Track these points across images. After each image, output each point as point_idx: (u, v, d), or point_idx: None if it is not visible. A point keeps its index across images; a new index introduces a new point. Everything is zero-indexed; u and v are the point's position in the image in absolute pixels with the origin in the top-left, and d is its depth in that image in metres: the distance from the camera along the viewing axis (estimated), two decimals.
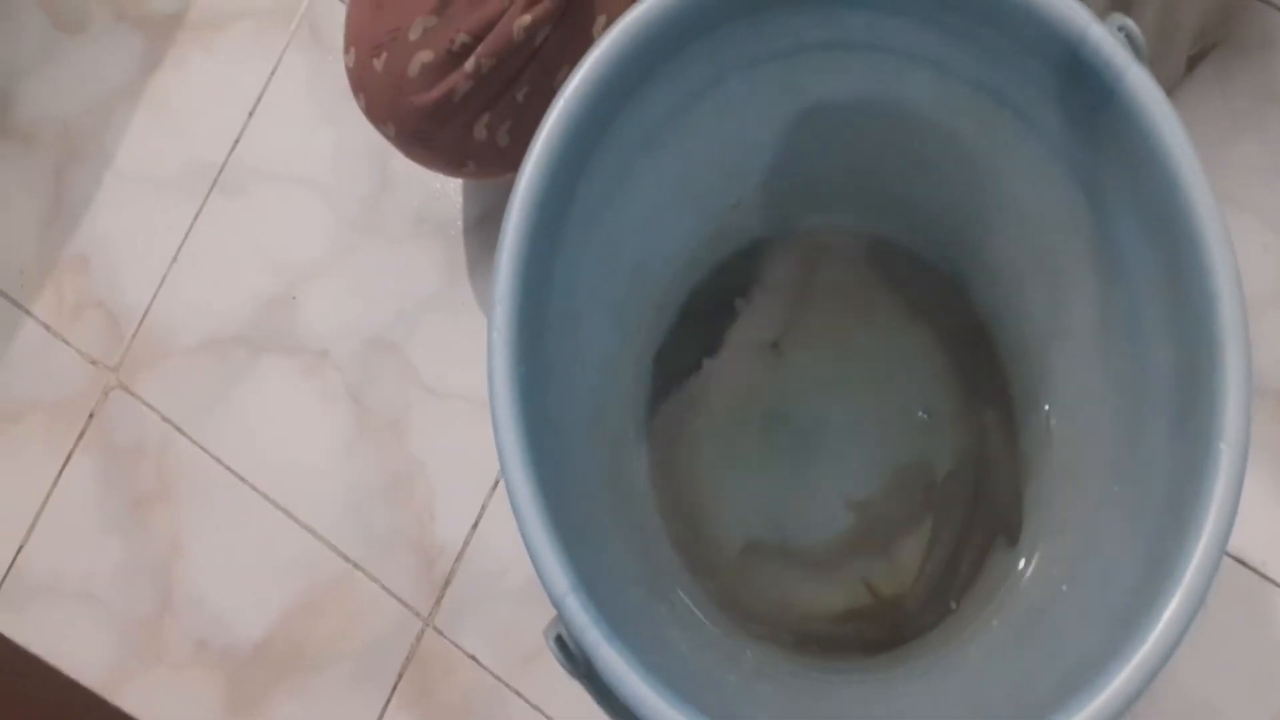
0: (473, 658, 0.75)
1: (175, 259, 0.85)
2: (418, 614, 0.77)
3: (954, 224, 0.60)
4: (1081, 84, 0.45)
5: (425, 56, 0.61)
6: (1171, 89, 0.73)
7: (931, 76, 0.51)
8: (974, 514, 0.62)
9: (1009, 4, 0.45)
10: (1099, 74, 0.44)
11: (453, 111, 0.62)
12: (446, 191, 0.82)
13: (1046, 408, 0.57)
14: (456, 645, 0.76)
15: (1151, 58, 0.45)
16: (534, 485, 0.44)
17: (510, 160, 0.64)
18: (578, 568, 0.44)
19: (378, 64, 0.63)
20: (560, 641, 0.44)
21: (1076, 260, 0.50)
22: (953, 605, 0.59)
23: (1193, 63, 0.73)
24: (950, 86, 0.51)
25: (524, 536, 0.43)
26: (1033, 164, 0.51)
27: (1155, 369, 0.44)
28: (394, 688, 0.76)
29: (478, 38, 0.60)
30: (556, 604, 0.43)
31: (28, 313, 0.87)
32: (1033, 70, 0.47)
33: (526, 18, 0.60)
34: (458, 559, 0.77)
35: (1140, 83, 0.43)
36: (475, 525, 0.77)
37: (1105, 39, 0.44)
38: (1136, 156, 0.44)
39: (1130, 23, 0.45)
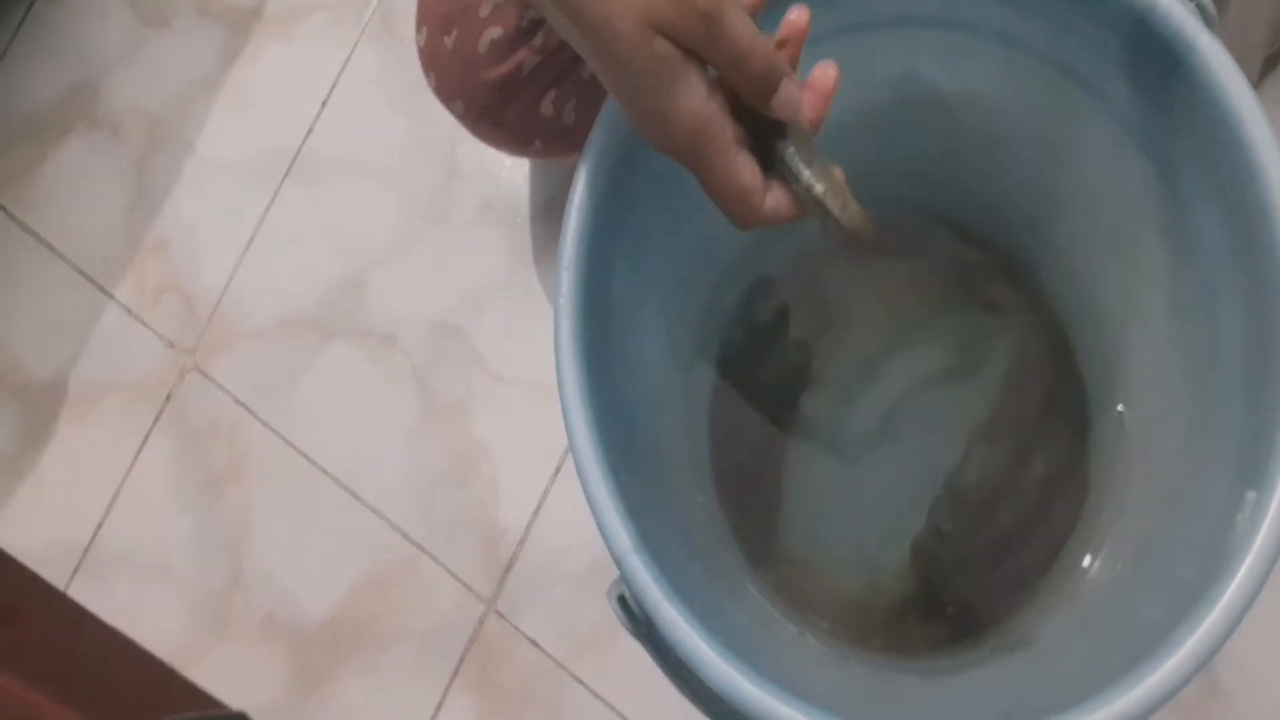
0: (533, 642, 0.76)
1: (250, 244, 0.87)
2: (480, 597, 0.78)
3: (1025, 208, 0.60)
4: (1151, 54, 0.45)
5: (495, 32, 0.62)
6: (1253, 84, 0.71)
7: (1000, 50, 0.51)
8: (1043, 510, 0.61)
9: None
10: (1169, 43, 0.44)
11: (520, 87, 0.63)
12: (512, 180, 0.83)
13: (1119, 395, 0.56)
14: (518, 629, 0.77)
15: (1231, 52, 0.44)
16: (598, 446, 0.45)
17: (576, 139, 0.64)
18: (640, 529, 0.44)
19: (448, 41, 0.64)
20: (622, 601, 0.45)
21: (1148, 237, 0.49)
22: (1018, 599, 0.59)
23: (1271, 63, 0.72)
24: (1019, 61, 0.51)
25: (588, 495, 0.44)
26: (1102, 139, 0.50)
27: (1226, 343, 0.44)
28: (456, 670, 0.77)
29: None
30: (619, 562, 0.44)
31: (111, 296, 0.90)
32: (1102, 41, 0.47)
33: None
34: (520, 543, 0.78)
35: (1211, 51, 0.43)
36: (538, 509, 0.78)
37: (1175, 8, 0.43)
38: (1207, 127, 0.43)
39: None
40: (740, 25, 0.36)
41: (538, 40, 0.61)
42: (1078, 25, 0.47)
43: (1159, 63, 0.45)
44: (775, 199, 0.42)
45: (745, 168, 0.40)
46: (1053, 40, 0.49)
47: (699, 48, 0.36)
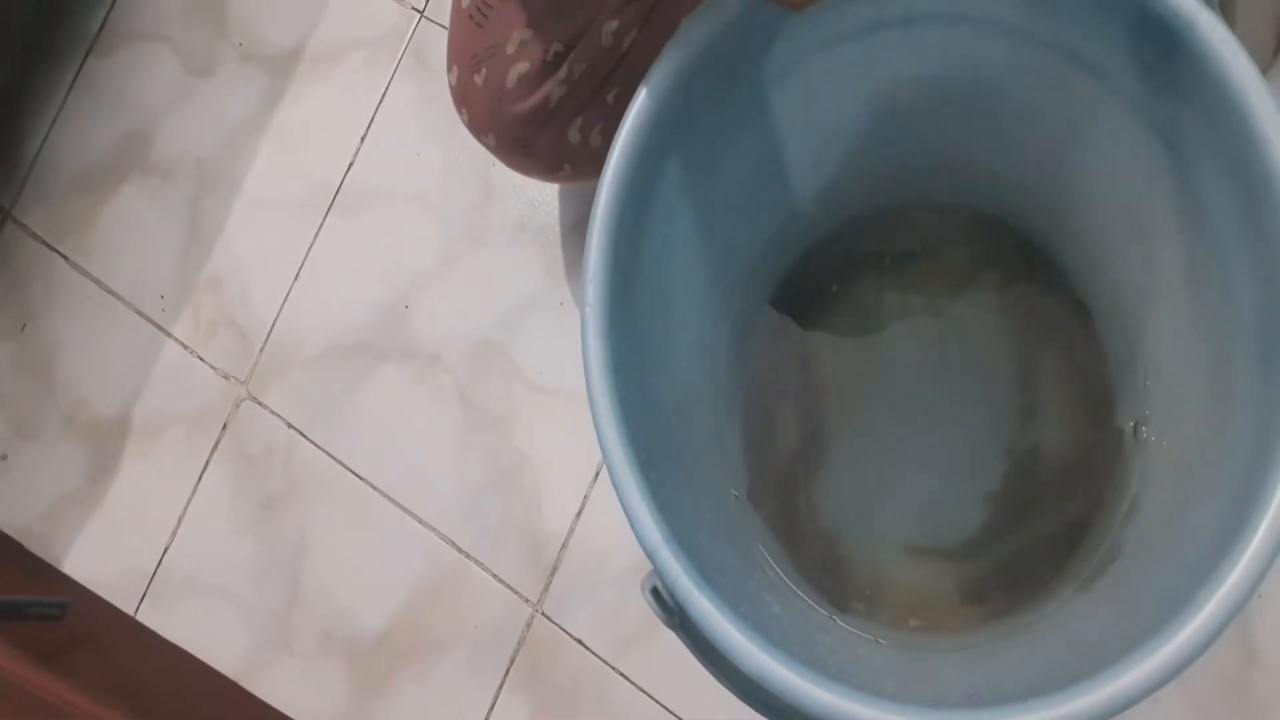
0: (579, 641, 0.78)
1: (298, 276, 0.91)
2: (527, 600, 0.80)
3: (1042, 194, 0.61)
4: (1153, 36, 0.46)
5: (522, 67, 0.65)
6: (1262, 68, 0.71)
7: (1008, 43, 0.52)
8: (1072, 487, 0.61)
9: None
10: (1169, 24, 0.45)
11: (549, 117, 0.65)
12: (544, 200, 0.85)
13: (1143, 369, 0.57)
14: (564, 630, 0.78)
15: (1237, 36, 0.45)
16: (626, 443, 0.46)
17: (603, 161, 0.66)
18: (670, 523, 0.46)
19: (478, 78, 0.66)
20: (655, 593, 0.46)
21: (1161, 213, 0.50)
22: (1050, 575, 0.59)
23: None
24: (1026, 51, 0.52)
25: (617, 490, 0.46)
26: (1112, 121, 0.51)
27: (1241, 310, 0.44)
28: (506, 671, 0.79)
29: (570, 46, 0.64)
30: (650, 555, 0.45)
31: (168, 334, 0.94)
32: (1105, 27, 0.48)
33: (614, 23, 0.63)
34: (563, 546, 0.80)
35: (1210, 28, 0.44)
36: (579, 514, 0.80)
37: None
38: (1211, 102, 0.44)
39: None
40: None
41: (563, 72, 0.63)
42: (1081, 12, 0.48)
43: (1161, 43, 0.46)
44: None
45: None
46: (1057, 29, 0.50)
47: None
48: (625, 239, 0.51)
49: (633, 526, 0.45)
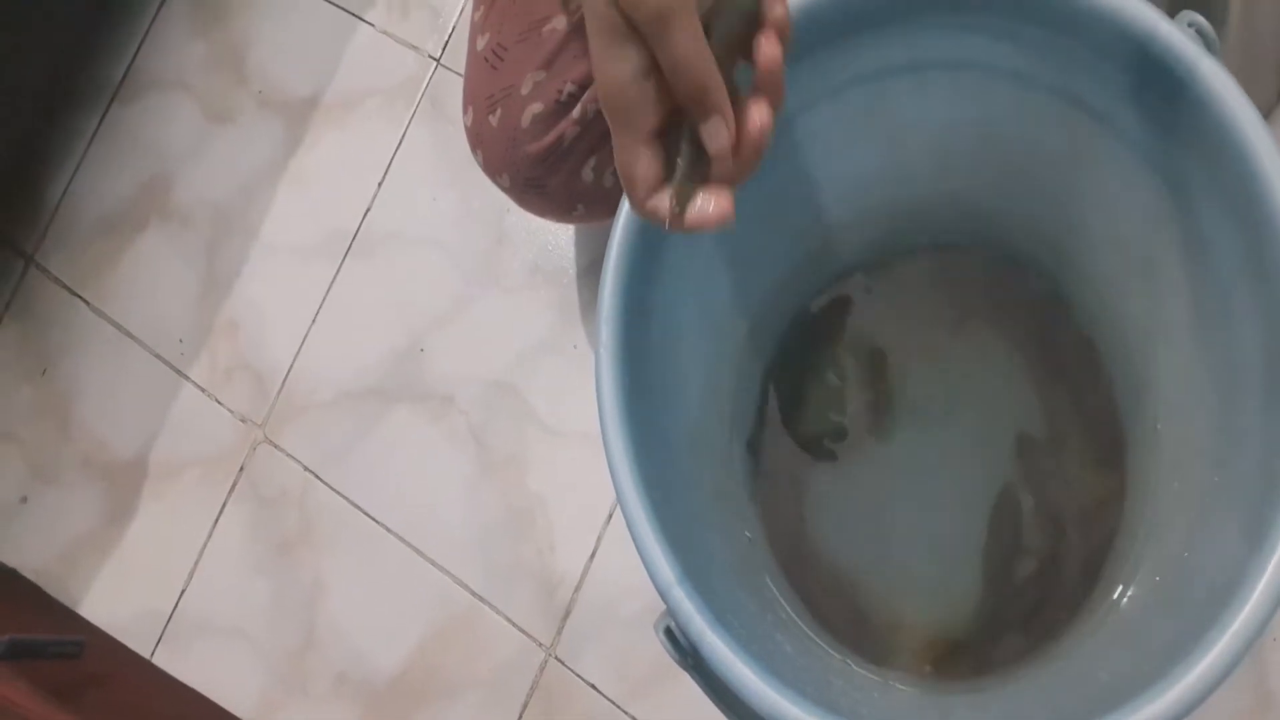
0: (592, 685, 0.78)
1: (314, 320, 0.92)
2: (540, 644, 0.80)
3: (1049, 233, 0.61)
4: (1155, 81, 0.47)
5: (536, 108, 0.66)
6: (1267, 107, 0.72)
7: (1012, 87, 0.53)
8: (1083, 532, 0.61)
9: (1079, 9, 0.47)
10: (1171, 69, 0.45)
11: (562, 156, 0.66)
12: (558, 244, 0.87)
13: (1151, 411, 0.57)
14: (577, 674, 0.78)
15: (1239, 77, 0.46)
16: (639, 483, 0.47)
17: (616, 202, 0.67)
18: (683, 562, 0.46)
19: (493, 119, 0.67)
20: (669, 633, 0.46)
21: (1166, 253, 0.51)
22: (1061, 620, 0.59)
23: None
24: (1030, 96, 0.53)
25: (631, 529, 0.46)
26: (1116, 164, 0.52)
27: (1244, 351, 0.45)
28: (520, 716, 0.79)
29: (583, 86, 0.65)
30: (663, 595, 0.45)
31: (185, 378, 0.95)
32: (1107, 72, 0.49)
33: None
34: (576, 589, 0.80)
35: (1211, 74, 0.44)
36: (592, 556, 0.80)
37: (1174, 35, 0.45)
38: (1213, 145, 0.45)
39: (1200, 19, 0.46)
40: (683, 36, 0.36)
41: (576, 112, 0.64)
42: (1083, 58, 0.49)
43: (1162, 88, 0.46)
44: (658, 201, 0.39)
45: (644, 157, 0.39)
46: (1060, 74, 0.51)
47: (645, 37, 0.36)
48: (638, 281, 0.51)
49: (646, 565, 0.46)
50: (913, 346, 0.66)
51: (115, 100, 1.04)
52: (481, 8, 0.69)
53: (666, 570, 0.45)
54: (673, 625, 0.46)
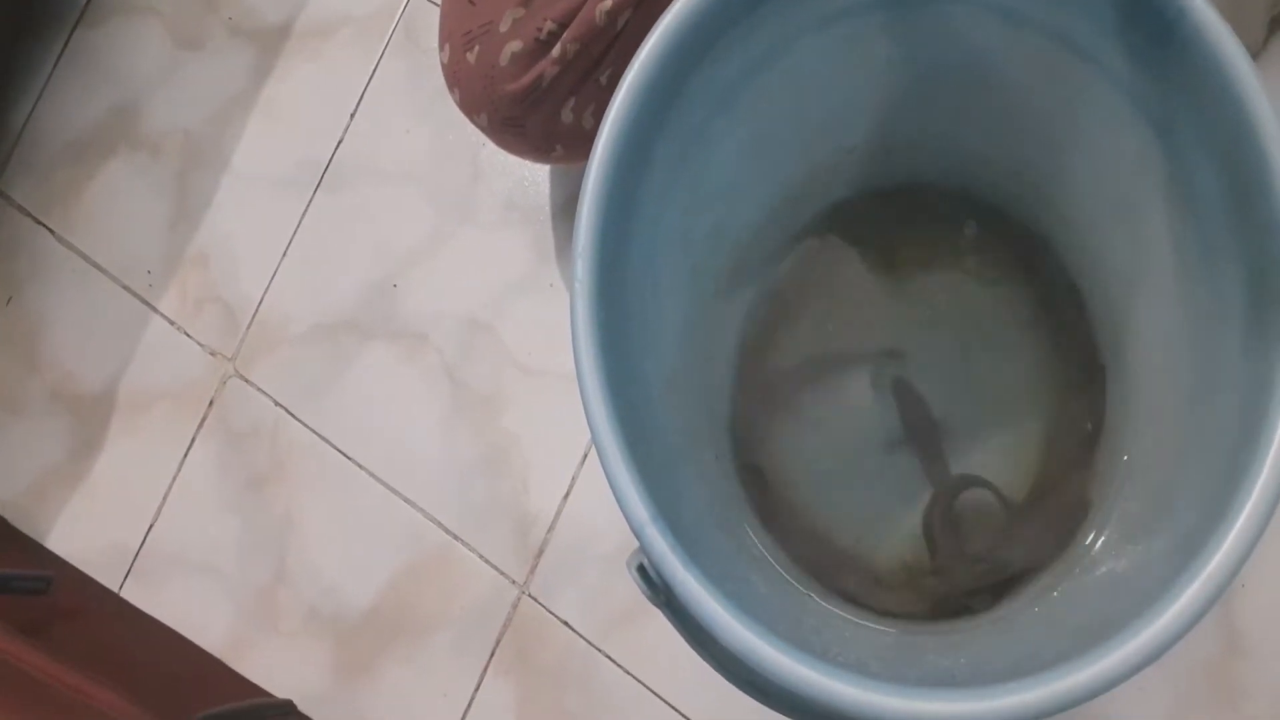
0: (565, 623, 0.78)
1: (286, 253, 0.90)
2: (513, 581, 0.80)
3: (1033, 176, 0.61)
4: (1144, 20, 0.46)
5: (515, 46, 0.64)
6: (1253, 52, 0.71)
7: (998, 24, 0.52)
8: (1058, 476, 0.62)
9: None
10: (1160, 9, 0.45)
11: (541, 96, 0.65)
12: (534, 179, 0.85)
13: (1130, 356, 0.57)
14: (550, 611, 0.79)
15: (1228, 20, 0.45)
16: (614, 422, 0.46)
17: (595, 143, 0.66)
18: (658, 502, 0.46)
19: (470, 57, 0.66)
20: (642, 570, 0.46)
21: (1149, 197, 0.50)
22: (1036, 562, 0.59)
23: (1275, 25, 0.72)
24: (1018, 34, 0.52)
25: (605, 468, 0.45)
26: (1102, 105, 0.51)
27: (1226, 297, 0.45)
28: (492, 653, 0.79)
29: (563, 25, 0.63)
30: (637, 533, 0.45)
31: (154, 310, 0.93)
32: (1096, 9, 0.48)
33: (608, 3, 0.63)
34: (550, 528, 0.80)
35: (1201, 13, 0.44)
36: (567, 495, 0.80)
37: None
38: (1200, 86, 0.44)
39: None
40: None
41: (556, 51, 0.63)
42: None
43: (1151, 28, 0.46)
44: None
45: None
46: (1048, 10, 0.50)
47: None
48: (615, 217, 0.50)
49: (620, 503, 0.45)
50: (889, 290, 0.66)
51: (81, 23, 1.00)
52: None
53: (640, 509, 0.45)
54: (645, 563, 0.46)
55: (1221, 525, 0.38)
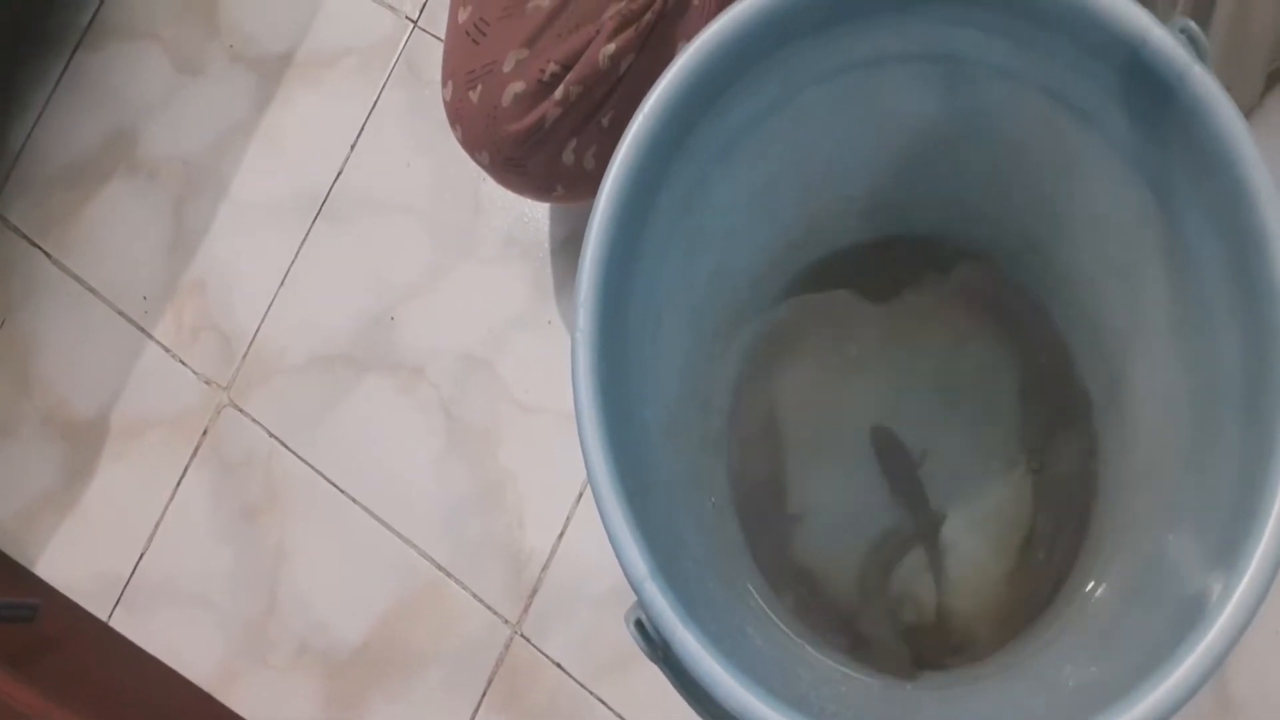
0: (558, 665, 0.78)
1: (283, 283, 0.90)
2: (506, 621, 0.80)
3: (1030, 230, 0.61)
4: (1144, 85, 0.46)
5: (518, 87, 0.64)
6: (1250, 107, 0.72)
7: (1001, 83, 0.53)
8: (1051, 531, 0.62)
9: (1072, 10, 0.47)
10: (1160, 75, 0.45)
11: (543, 138, 0.65)
12: (535, 215, 0.85)
13: (1125, 414, 0.57)
14: (542, 652, 0.78)
15: (1226, 75, 0.46)
16: (614, 475, 0.46)
17: (596, 184, 0.66)
18: (656, 555, 0.46)
19: (473, 95, 0.66)
20: (640, 625, 0.46)
21: (1148, 257, 0.51)
22: (1028, 620, 0.59)
23: (1272, 80, 0.73)
24: (1019, 92, 0.53)
25: (605, 523, 0.45)
26: (1101, 165, 0.51)
27: (1224, 361, 0.45)
28: (484, 693, 0.79)
29: (566, 67, 0.64)
30: (635, 588, 0.45)
31: (149, 336, 0.93)
32: (1097, 73, 0.48)
33: (611, 46, 0.63)
34: (544, 567, 0.79)
35: (1201, 82, 0.44)
36: (561, 534, 0.80)
37: (1166, 41, 0.45)
38: (1200, 153, 0.45)
39: (1192, 25, 0.46)
40: None
41: (559, 93, 0.63)
42: (1074, 58, 0.49)
43: (1151, 93, 0.46)
44: None
45: None
46: (1050, 73, 0.50)
47: None
48: (617, 267, 0.51)
49: (619, 557, 0.45)
50: (884, 341, 0.66)
51: (81, 46, 1.00)
52: None
53: (640, 564, 0.45)
54: (643, 618, 0.46)
55: (1218, 598, 0.38)
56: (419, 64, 0.91)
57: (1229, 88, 0.45)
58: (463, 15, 0.66)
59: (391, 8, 0.92)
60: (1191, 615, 0.39)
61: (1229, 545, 0.40)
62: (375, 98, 0.91)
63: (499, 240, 0.86)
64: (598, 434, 0.47)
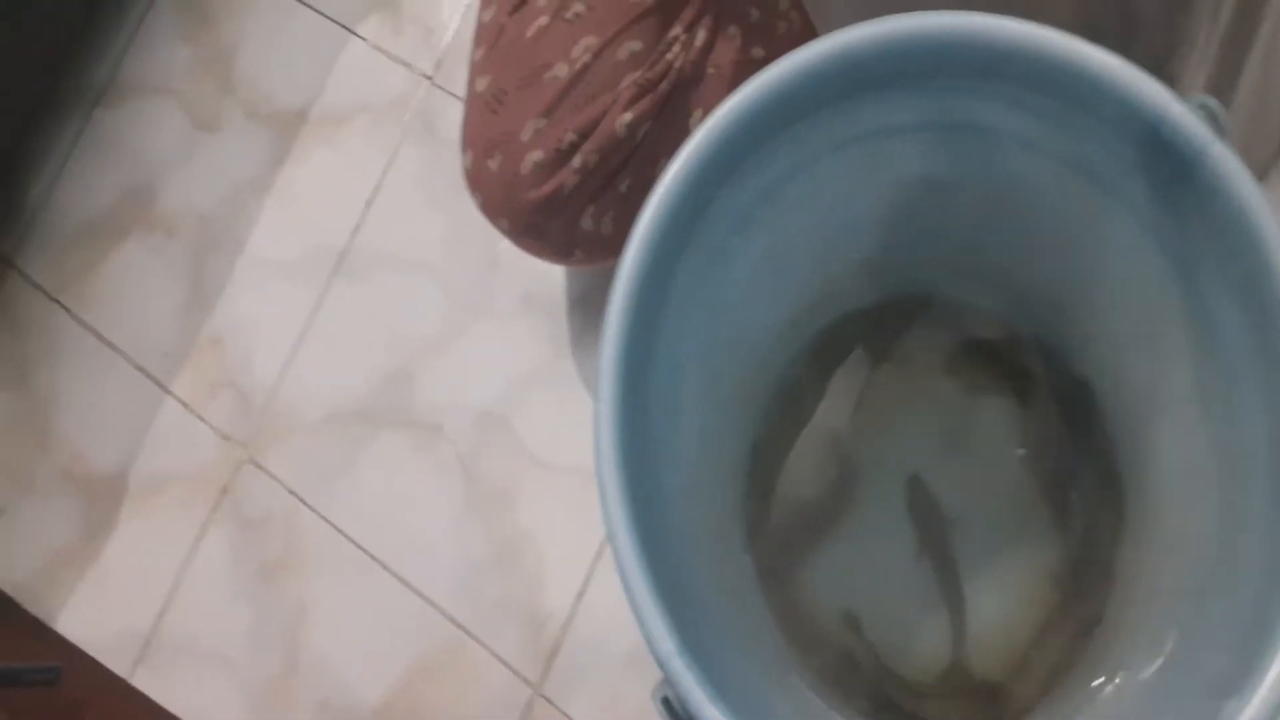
0: None
1: (301, 340, 0.91)
2: (527, 681, 0.79)
3: (1052, 296, 0.61)
4: (1164, 160, 0.46)
5: (536, 156, 0.65)
6: (1266, 169, 0.72)
7: (1019, 154, 0.53)
8: (1073, 602, 0.61)
9: (1093, 84, 0.47)
10: (1180, 151, 0.45)
11: (562, 205, 0.66)
12: (551, 272, 0.86)
13: (1151, 484, 0.57)
14: (565, 713, 0.78)
15: (1245, 138, 0.46)
16: (639, 549, 0.46)
17: (614, 247, 0.67)
18: (683, 630, 0.46)
19: (492, 164, 0.67)
20: (667, 703, 0.46)
21: (1171, 328, 0.51)
22: (1053, 690, 0.59)
23: None
24: (1037, 163, 0.53)
25: (630, 599, 0.45)
26: (1121, 236, 0.52)
27: (1252, 437, 0.45)
28: None
29: (584, 135, 0.65)
30: (662, 665, 0.45)
31: (168, 392, 0.94)
32: (1116, 147, 0.48)
33: (628, 115, 0.64)
34: (565, 627, 0.79)
35: (1221, 159, 0.44)
36: (581, 594, 0.79)
37: (1186, 117, 0.45)
38: (1221, 228, 0.45)
39: (1212, 101, 0.46)
40: None
41: (577, 161, 0.64)
42: (1093, 132, 0.49)
43: (1170, 166, 0.46)
44: None
45: None
46: (1069, 145, 0.51)
47: None
48: (639, 336, 0.51)
49: (645, 635, 0.45)
50: (911, 403, 0.66)
51: (99, 104, 1.02)
52: (482, 47, 0.68)
53: (666, 641, 0.45)
54: (670, 695, 0.46)
55: (1250, 680, 0.38)
56: (434, 121, 0.92)
57: (1249, 149, 0.45)
58: (481, 84, 0.67)
59: (407, 64, 0.93)
60: (1218, 704, 0.39)
61: (1258, 628, 0.40)
62: (391, 155, 0.92)
63: (516, 296, 0.86)
64: (621, 507, 0.47)
